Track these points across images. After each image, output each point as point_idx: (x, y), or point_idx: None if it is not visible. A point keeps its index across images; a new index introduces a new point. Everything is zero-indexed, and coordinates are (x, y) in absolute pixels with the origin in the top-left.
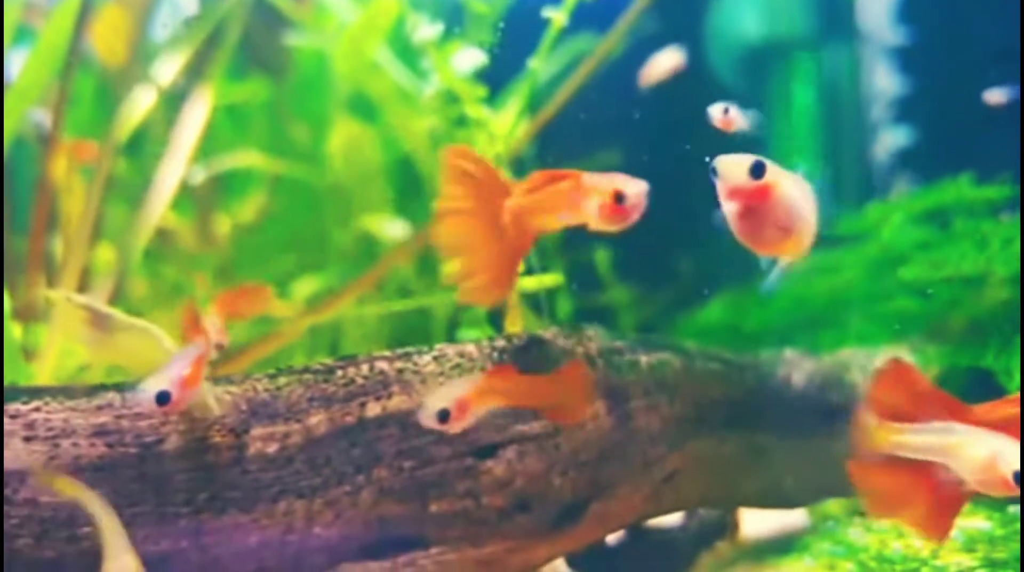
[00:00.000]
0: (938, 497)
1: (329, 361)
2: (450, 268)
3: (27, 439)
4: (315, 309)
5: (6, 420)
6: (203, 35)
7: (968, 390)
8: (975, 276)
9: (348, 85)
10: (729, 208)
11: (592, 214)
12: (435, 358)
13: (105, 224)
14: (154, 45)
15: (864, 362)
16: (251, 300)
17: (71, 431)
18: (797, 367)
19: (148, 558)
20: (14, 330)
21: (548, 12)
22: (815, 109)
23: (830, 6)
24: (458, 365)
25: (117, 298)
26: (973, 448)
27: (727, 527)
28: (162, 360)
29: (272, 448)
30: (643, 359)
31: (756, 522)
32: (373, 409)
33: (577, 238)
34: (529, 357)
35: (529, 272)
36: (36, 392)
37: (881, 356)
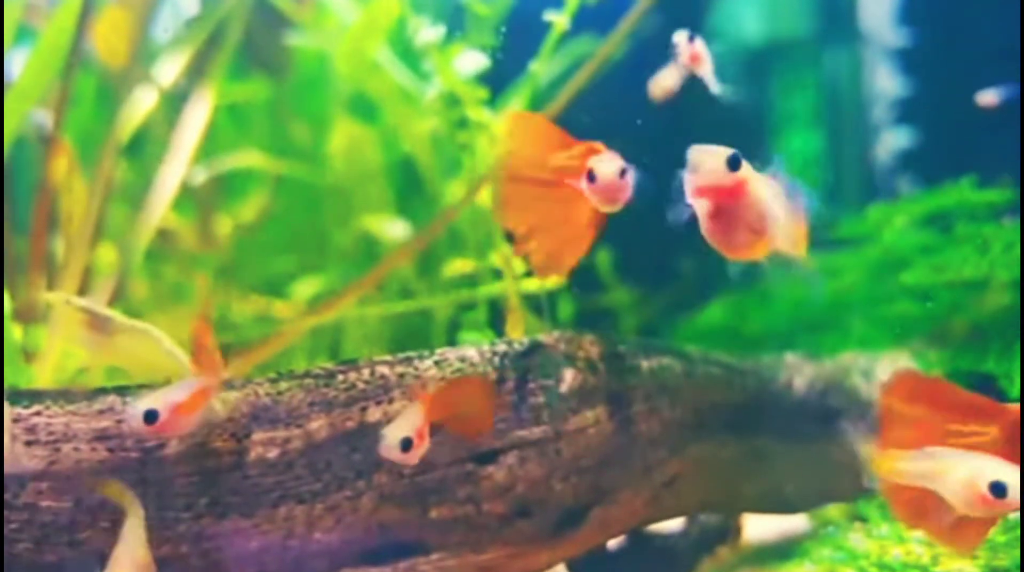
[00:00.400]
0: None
1: (330, 366)
2: (452, 268)
3: (28, 443)
4: (316, 310)
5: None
6: (204, 35)
7: None
8: (977, 280)
9: (349, 85)
10: (699, 206)
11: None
12: (436, 363)
13: (106, 225)
14: (155, 45)
15: (865, 366)
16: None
17: (72, 435)
18: (798, 371)
19: None
20: (14, 332)
21: (549, 15)
22: (816, 111)
23: (831, 7)
24: (459, 370)
25: (118, 299)
26: (954, 472)
27: (728, 532)
28: (162, 362)
29: (273, 453)
30: (644, 363)
31: (757, 527)
32: (374, 414)
33: None
34: (530, 361)
35: (530, 274)
36: (37, 396)
37: (882, 360)
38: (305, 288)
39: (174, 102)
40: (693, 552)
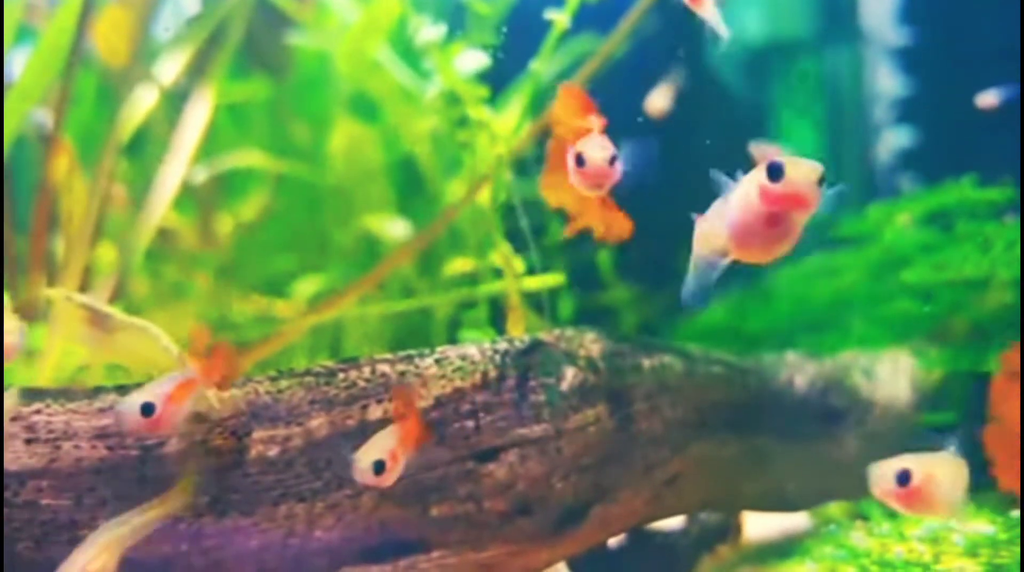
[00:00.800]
0: None
1: (330, 364)
2: (452, 267)
3: (28, 441)
4: (317, 309)
5: (6, 422)
6: (205, 34)
7: (970, 393)
8: (978, 279)
9: (350, 85)
10: (758, 209)
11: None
12: (437, 361)
13: (106, 224)
14: (156, 44)
15: (866, 365)
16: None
17: (72, 433)
18: (799, 370)
19: (149, 561)
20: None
21: (550, 13)
22: (817, 110)
23: (832, 7)
24: (460, 368)
25: (118, 298)
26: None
27: (729, 531)
28: (161, 359)
29: (273, 451)
30: (645, 362)
31: (758, 525)
32: (375, 412)
33: (579, 238)
34: (531, 360)
35: (531, 272)
36: (37, 394)
37: (883, 359)
38: (306, 287)
39: (175, 101)
40: (694, 550)
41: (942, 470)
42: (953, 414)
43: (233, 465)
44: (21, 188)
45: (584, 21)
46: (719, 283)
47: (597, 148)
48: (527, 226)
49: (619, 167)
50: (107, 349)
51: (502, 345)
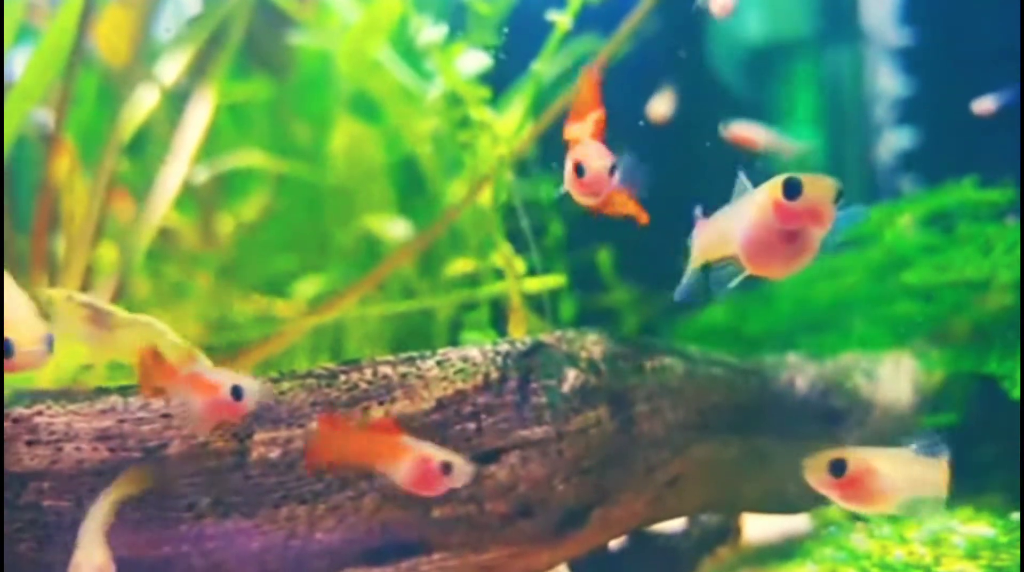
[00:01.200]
0: None
1: (332, 365)
2: (453, 268)
3: (29, 443)
4: (317, 309)
5: (7, 424)
6: (206, 34)
7: (971, 395)
8: (979, 280)
9: (351, 85)
10: (773, 226)
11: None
12: (438, 362)
13: (107, 224)
14: (157, 44)
15: (867, 367)
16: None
17: (74, 435)
18: (800, 371)
19: (150, 563)
20: None
21: (552, 14)
22: (818, 110)
23: (833, 7)
24: (461, 370)
25: (119, 297)
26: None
27: (729, 532)
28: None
29: (275, 453)
30: (646, 364)
31: (758, 527)
32: (376, 414)
33: (579, 238)
34: (532, 361)
35: (532, 273)
36: (38, 396)
37: (884, 360)
38: (307, 287)
39: (176, 101)
40: (694, 552)
41: (886, 465)
42: (954, 415)
43: (234, 467)
44: (22, 188)
45: (586, 22)
46: (720, 285)
47: (596, 157)
48: (528, 227)
49: (618, 176)
50: (109, 347)
51: (503, 347)
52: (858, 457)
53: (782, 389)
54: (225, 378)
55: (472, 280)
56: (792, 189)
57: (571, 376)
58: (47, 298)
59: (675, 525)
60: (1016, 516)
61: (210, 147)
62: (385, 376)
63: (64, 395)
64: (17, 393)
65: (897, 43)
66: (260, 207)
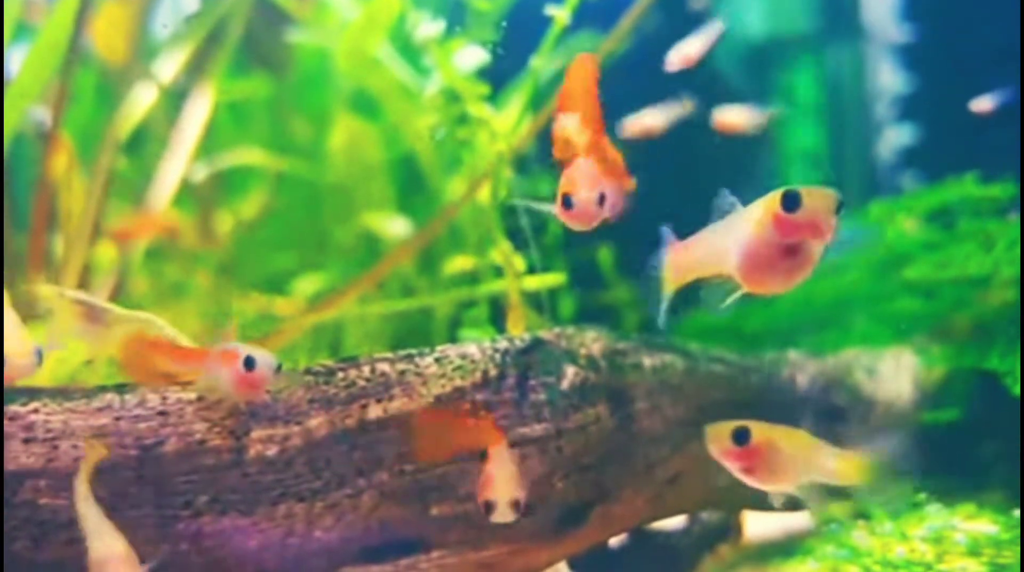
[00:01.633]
0: None
1: (330, 363)
2: (452, 265)
3: (26, 441)
4: (317, 307)
5: (5, 422)
6: (204, 32)
7: (972, 391)
8: (980, 277)
9: (350, 82)
10: (772, 241)
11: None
12: (437, 360)
13: (106, 222)
14: (155, 42)
15: (868, 363)
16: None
17: (70, 433)
18: (801, 368)
19: (148, 561)
20: None
21: (551, 10)
22: (819, 107)
23: (834, 4)
24: (460, 367)
25: (118, 295)
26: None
27: (730, 530)
28: None
29: (272, 450)
30: (646, 361)
31: (759, 525)
32: (374, 411)
33: (579, 236)
34: (531, 358)
35: (531, 270)
36: (35, 393)
37: (885, 357)
38: (306, 285)
39: (174, 99)
40: (695, 550)
41: (789, 444)
42: (956, 412)
43: (232, 464)
44: (20, 185)
45: (585, 18)
46: (714, 304)
47: (586, 191)
48: (527, 224)
49: (608, 206)
50: (107, 343)
51: (502, 344)
52: (762, 429)
53: (783, 386)
54: (242, 349)
55: (471, 278)
56: (791, 202)
57: (570, 373)
58: (39, 295)
59: (675, 523)
60: (1018, 513)
61: (209, 145)
62: (383, 373)
63: (60, 393)
64: (14, 391)
65: (898, 40)
66: (259, 205)
